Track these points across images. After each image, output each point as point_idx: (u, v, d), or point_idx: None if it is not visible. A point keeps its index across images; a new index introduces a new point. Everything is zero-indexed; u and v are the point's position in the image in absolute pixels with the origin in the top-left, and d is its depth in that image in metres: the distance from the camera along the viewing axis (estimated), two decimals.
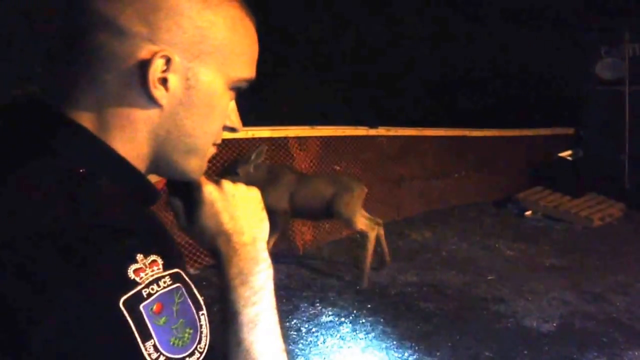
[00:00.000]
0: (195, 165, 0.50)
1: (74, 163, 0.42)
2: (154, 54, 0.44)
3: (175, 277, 0.41)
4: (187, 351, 0.40)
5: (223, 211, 0.53)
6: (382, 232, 3.24)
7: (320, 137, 3.82)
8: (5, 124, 0.45)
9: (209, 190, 0.53)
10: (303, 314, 2.75)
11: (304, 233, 3.64)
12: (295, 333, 2.59)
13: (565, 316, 2.83)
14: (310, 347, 2.47)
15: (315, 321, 2.70)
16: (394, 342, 2.51)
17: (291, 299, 2.89)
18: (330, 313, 2.79)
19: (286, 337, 2.34)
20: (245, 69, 0.50)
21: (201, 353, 0.41)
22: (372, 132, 4.10)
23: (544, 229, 4.43)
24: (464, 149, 4.87)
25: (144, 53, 0.44)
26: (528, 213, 4.74)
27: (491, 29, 5.96)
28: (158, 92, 0.45)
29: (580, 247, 3.98)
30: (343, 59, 5.74)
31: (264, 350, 0.50)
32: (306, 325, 2.66)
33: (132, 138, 0.46)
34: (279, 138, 3.55)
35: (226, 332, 0.50)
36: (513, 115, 5.56)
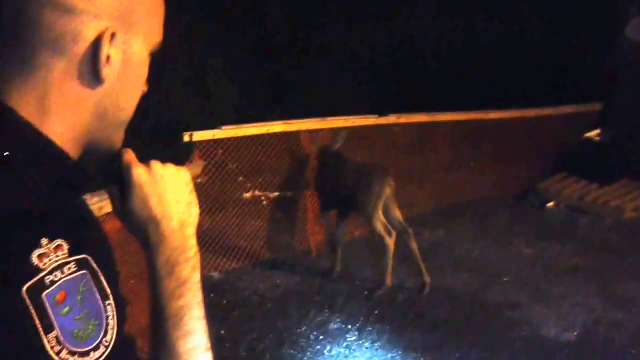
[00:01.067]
0: (121, 137, 0.50)
1: None
2: (103, 32, 0.44)
3: (81, 264, 0.39)
4: (91, 344, 0.38)
5: (152, 195, 0.51)
6: (414, 243, 2.96)
7: (331, 129, 3.68)
8: None
9: (138, 172, 0.51)
10: (312, 321, 2.77)
11: (316, 233, 3.59)
12: (304, 340, 2.62)
13: (588, 324, 2.65)
14: (317, 356, 2.50)
15: (323, 328, 2.72)
16: (400, 352, 2.48)
17: (303, 305, 2.91)
18: (338, 320, 2.79)
19: (295, 344, 2.30)
20: (161, 32, 0.50)
21: (107, 347, 0.39)
22: (383, 120, 3.91)
23: (568, 223, 4.12)
24: (480, 135, 4.54)
25: (92, 32, 0.44)
26: (550, 205, 4.41)
27: None
28: (106, 69, 0.45)
29: (609, 244, 3.66)
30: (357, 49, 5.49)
31: (188, 347, 0.48)
32: (315, 333, 2.68)
33: (73, 119, 0.45)
34: (292, 132, 3.46)
35: (152, 328, 0.49)
36: (530, 92, 5.00)
